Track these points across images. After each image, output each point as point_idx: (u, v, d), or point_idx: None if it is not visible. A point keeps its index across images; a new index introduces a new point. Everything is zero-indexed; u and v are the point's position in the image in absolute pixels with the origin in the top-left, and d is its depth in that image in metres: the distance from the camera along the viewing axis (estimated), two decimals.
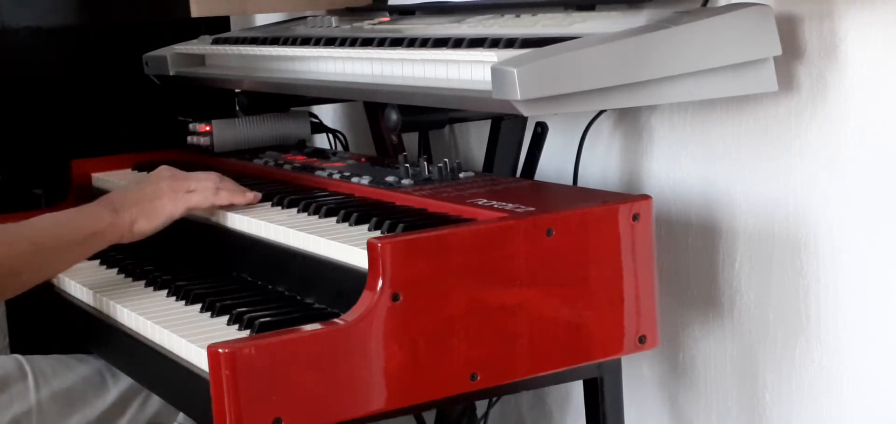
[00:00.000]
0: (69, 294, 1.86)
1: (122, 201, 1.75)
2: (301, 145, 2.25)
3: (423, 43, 1.72)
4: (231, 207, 1.79)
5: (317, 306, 1.59)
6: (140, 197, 1.76)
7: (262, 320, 1.50)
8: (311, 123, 2.31)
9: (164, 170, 1.81)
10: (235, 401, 1.33)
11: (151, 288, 1.77)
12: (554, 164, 2.01)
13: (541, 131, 1.90)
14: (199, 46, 2.32)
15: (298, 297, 1.64)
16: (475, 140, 2.24)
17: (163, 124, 2.39)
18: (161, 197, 1.76)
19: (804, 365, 1.72)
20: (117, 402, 1.86)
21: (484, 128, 2.00)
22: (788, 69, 1.65)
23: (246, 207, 1.80)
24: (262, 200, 1.83)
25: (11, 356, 1.86)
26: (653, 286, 1.55)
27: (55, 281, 1.91)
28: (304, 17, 2.33)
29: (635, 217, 1.52)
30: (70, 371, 1.86)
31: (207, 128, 2.21)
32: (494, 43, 1.62)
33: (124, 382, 1.86)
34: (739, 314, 1.80)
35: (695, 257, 1.86)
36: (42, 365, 1.85)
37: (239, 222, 1.76)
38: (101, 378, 1.86)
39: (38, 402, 1.80)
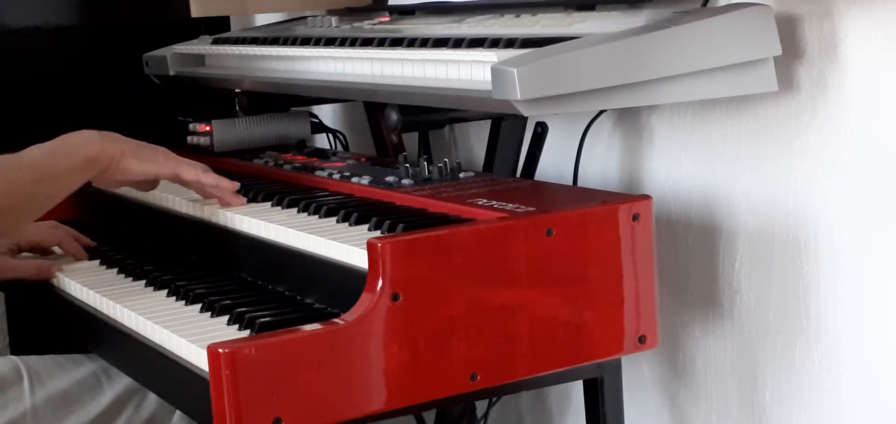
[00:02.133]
0: (69, 294, 1.86)
1: (115, 136, 1.79)
2: (301, 145, 2.25)
3: (423, 43, 1.72)
4: (215, 193, 1.82)
5: (317, 306, 1.59)
6: (136, 143, 1.80)
7: (262, 320, 1.50)
8: (311, 123, 2.31)
9: (161, 147, 1.85)
10: (235, 401, 1.33)
11: (151, 288, 1.77)
12: (554, 164, 2.01)
13: (541, 131, 1.90)
14: (199, 46, 2.32)
15: (298, 297, 1.64)
16: (475, 140, 2.24)
17: (163, 124, 2.39)
18: (155, 152, 1.80)
19: (804, 365, 1.72)
20: (113, 405, 1.85)
21: (484, 128, 2.00)
22: (788, 69, 1.65)
23: (261, 200, 1.82)
24: (262, 200, 1.83)
25: (7, 357, 1.86)
26: (653, 286, 1.55)
27: (55, 281, 1.91)
28: (304, 17, 2.33)
29: (635, 217, 1.52)
30: (66, 373, 1.85)
31: (207, 128, 2.21)
32: (494, 43, 1.63)
33: (120, 384, 1.86)
34: (739, 314, 1.80)
35: (695, 257, 1.86)
36: (37, 367, 1.85)
37: (239, 222, 1.76)
38: (97, 381, 1.86)
39: (33, 405, 1.80)
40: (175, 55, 2.32)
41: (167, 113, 2.41)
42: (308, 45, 1.96)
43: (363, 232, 1.58)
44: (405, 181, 1.75)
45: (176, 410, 1.87)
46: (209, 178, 1.81)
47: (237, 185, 1.83)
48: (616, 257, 1.52)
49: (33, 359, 1.86)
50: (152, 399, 1.87)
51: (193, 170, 1.81)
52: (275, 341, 1.35)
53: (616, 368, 1.64)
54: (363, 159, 2.05)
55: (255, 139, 2.24)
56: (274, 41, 2.07)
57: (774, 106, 1.69)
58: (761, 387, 1.79)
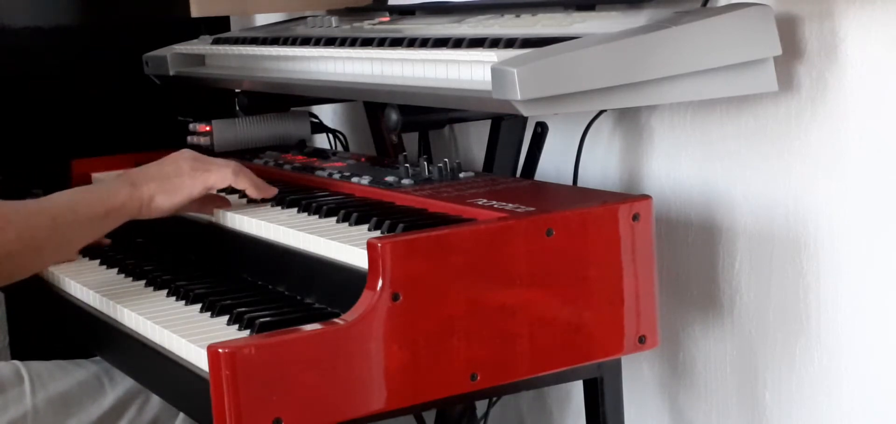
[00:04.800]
0: (69, 294, 1.86)
1: (141, 177, 1.74)
2: (301, 145, 2.25)
3: (423, 43, 1.72)
4: (243, 194, 1.79)
5: (317, 306, 1.59)
6: (159, 174, 1.75)
7: (262, 320, 1.50)
8: (311, 123, 2.31)
9: (185, 151, 1.80)
10: (235, 401, 1.33)
11: (151, 288, 1.77)
12: (554, 164, 2.01)
13: (541, 131, 1.90)
14: (199, 46, 2.32)
15: (298, 297, 1.64)
16: (475, 140, 2.24)
17: (163, 124, 2.39)
18: (181, 175, 1.75)
19: (804, 365, 1.72)
20: (114, 407, 1.85)
21: (484, 128, 2.00)
22: (788, 69, 1.65)
23: (260, 201, 1.80)
24: (263, 200, 1.83)
25: (9, 362, 1.86)
26: (653, 286, 1.55)
27: (56, 281, 1.91)
28: (304, 17, 2.33)
29: (635, 217, 1.52)
30: (67, 375, 1.85)
31: (207, 128, 2.21)
32: (494, 43, 1.62)
33: (122, 386, 1.86)
34: (739, 314, 1.80)
35: (695, 258, 1.86)
36: (39, 370, 1.84)
37: (239, 222, 1.76)
38: (99, 383, 1.86)
39: (34, 406, 1.80)
40: (175, 55, 2.32)
41: (167, 113, 2.41)
42: (308, 45, 1.96)
43: (363, 232, 1.58)
44: (405, 181, 1.75)
45: (179, 413, 1.87)
46: (240, 183, 1.77)
47: (271, 192, 1.80)
48: (616, 257, 1.52)
49: (35, 363, 1.86)
50: (155, 402, 1.87)
51: (222, 176, 1.76)
52: (275, 341, 1.35)
53: (616, 368, 1.64)
54: (363, 159, 2.05)
55: (255, 139, 2.24)
56: (274, 41, 2.07)
57: (774, 106, 1.69)
58: (761, 387, 1.79)
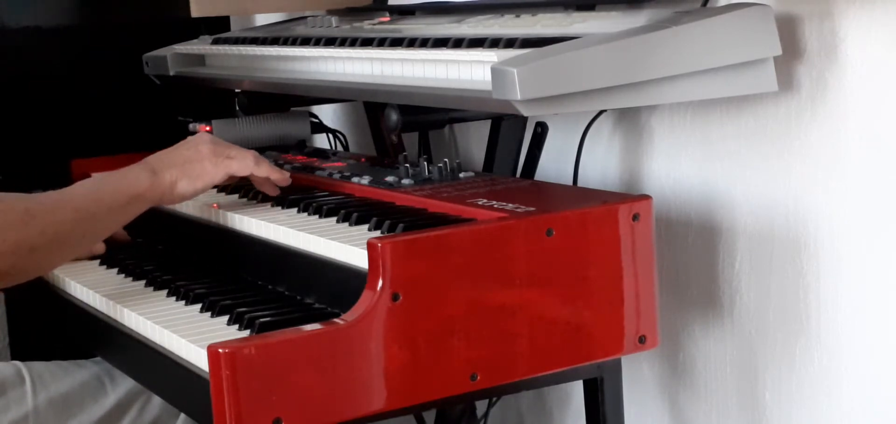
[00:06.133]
0: (70, 295, 1.86)
1: (162, 163, 1.73)
2: (301, 145, 2.25)
3: (423, 43, 1.72)
4: (267, 181, 1.79)
5: (317, 306, 1.59)
6: (180, 159, 1.73)
7: (262, 320, 1.50)
8: (311, 123, 2.31)
9: (203, 135, 1.79)
10: (235, 401, 1.33)
11: (151, 288, 1.77)
12: (554, 164, 2.01)
13: (541, 131, 1.90)
14: (199, 46, 2.32)
15: (298, 297, 1.64)
16: (475, 140, 2.24)
17: (163, 124, 2.39)
18: (202, 160, 1.73)
19: (804, 365, 1.72)
20: (115, 407, 1.85)
21: (484, 128, 2.00)
22: (788, 69, 1.65)
23: (281, 183, 1.81)
24: (262, 200, 1.83)
25: (10, 362, 1.86)
26: (653, 286, 1.55)
27: (56, 282, 1.91)
28: (304, 17, 2.33)
29: (635, 217, 1.52)
30: (68, 376, 1.85)
31: (207, 128, 2.21)
32: (494, 43, 1.63)
33: (123, 387, 1.86)
34: (739, 314, 1.80)
35: (695, 258, 1.86)
36: (40, 370, 1.84)
37: (239, 221, 1.76)
38: (100, 383, 1.86)
39: (36, 407, 1.80)
40: (175, 55, 2.32)
41: (167, 113, 2.41)
42: (308, 45, 1.96)
43: (363, 232, 1.58)
44: (405, 181, 1.75)
45: (180, 413, 1.87)
46: (261, 170, 1.77)
47: (288, 177, 1.80)
48: (616, 257, 1.52)
49: (36, 363, 1.86)
50: (157, 403, 1.86)
51: (244, 165, 1.76)
52: (275, 341, 1.35)
53: (616, 368, 1.64)
54: (363, 159, 2.05)
55: (255, 139, 2.24)
56: (274, 41, 2.07)
57: (774, 106, 1.69)
58: (761, 387, 1.79)
